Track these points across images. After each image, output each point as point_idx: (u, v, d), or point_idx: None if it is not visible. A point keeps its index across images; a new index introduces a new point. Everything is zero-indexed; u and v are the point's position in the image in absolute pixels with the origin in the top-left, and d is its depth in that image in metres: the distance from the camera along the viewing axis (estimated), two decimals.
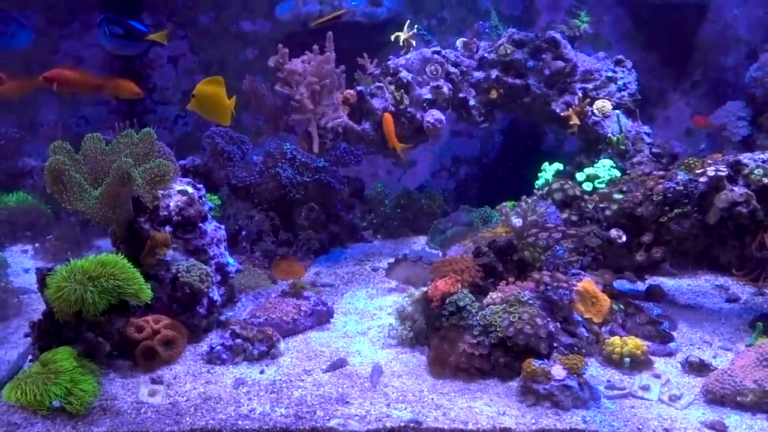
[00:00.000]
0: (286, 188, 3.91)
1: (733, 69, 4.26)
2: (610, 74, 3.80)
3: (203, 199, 3.13)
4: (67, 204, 2.63)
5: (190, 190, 3.06)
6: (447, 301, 2.75)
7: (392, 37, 3.79)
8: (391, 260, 3.86)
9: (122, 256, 2.60)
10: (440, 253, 3.55)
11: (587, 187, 3.50)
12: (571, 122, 3.71)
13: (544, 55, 3.81)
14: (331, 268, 3.88)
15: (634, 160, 3.62)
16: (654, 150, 3.64)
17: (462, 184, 4.66)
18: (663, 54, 4.26)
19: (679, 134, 4.32)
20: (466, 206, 4.13)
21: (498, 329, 2.65)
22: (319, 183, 3.99)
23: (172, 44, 4.65)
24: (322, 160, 4.04)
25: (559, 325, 2.72)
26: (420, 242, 4.21)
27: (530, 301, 2.72)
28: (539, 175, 3.68)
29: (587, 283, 2.89)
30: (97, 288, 2.45)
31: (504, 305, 2.72)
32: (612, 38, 4.34)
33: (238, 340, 2.82)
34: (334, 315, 3.17)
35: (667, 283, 3.49)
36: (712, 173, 2.94)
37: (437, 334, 2.77)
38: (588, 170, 3.55)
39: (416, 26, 3.78)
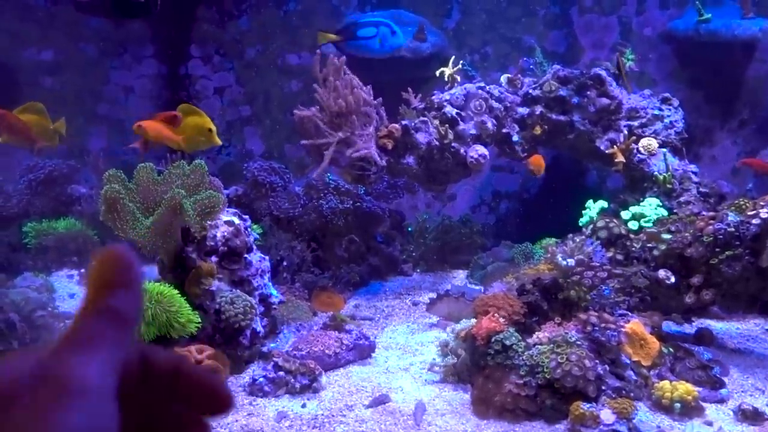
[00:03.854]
0: (328, 218, 3.93)
1: None
2: (656, 112, 3.77)
3: (249, 229, 3.15)
4: (120, 232, 2.67)
5: (236, 220, 3.08)
6: (493, 339, 2.72)
7: (437, 73, 3.81)
8: (432, 295, 3.84)
9: (170, 286, 2.63)
10: (482, 289, 3.52)
11: (633, 225, 3.45)
12: (616, 160, 3.68)
13: (588, 92, 3.80)
14: (371, 301, 3.86)
15: (681, 199, 3.56)
16: (701, 189, 3.59)
17: (502, 219, 4.64)
18: (709, 92, 4.22)
19: (725, 173, 4.25)
20: (508, 242, 4.10)
21: (545, 370, 2.61)
22: (360, 210, 4.00)
23: (219, 75, 4.74)
24: (362, 189, 4.07)
25: (608, 368, 2.67)
26: (460, 277, 4.18)
27: (578, 342, 2.68)
28: (583, 212, 3.64)
29: (635, 324, 2.84)
30: (146, 319, 2.47)
31: (551, 345, 2.68)
32: (657, 76, 4.31)
33: (281, 373, 2.81)
34: (375, 349, 3.15)
35: (715, 326, 3.40)
36: (766, 215, 2.88)
37: (482, 372, 2.73)
38: (634, 209, 3.51)
39: (461, 62, 3.80)
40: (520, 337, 2.74)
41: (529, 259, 3.89)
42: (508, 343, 2.70)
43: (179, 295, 2.63)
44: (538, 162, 3.59)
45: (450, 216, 4.45)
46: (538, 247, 4.00)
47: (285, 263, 3.89)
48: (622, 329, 2.77)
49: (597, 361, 2.64)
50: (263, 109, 4.76)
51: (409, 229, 4.34)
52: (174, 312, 2.55)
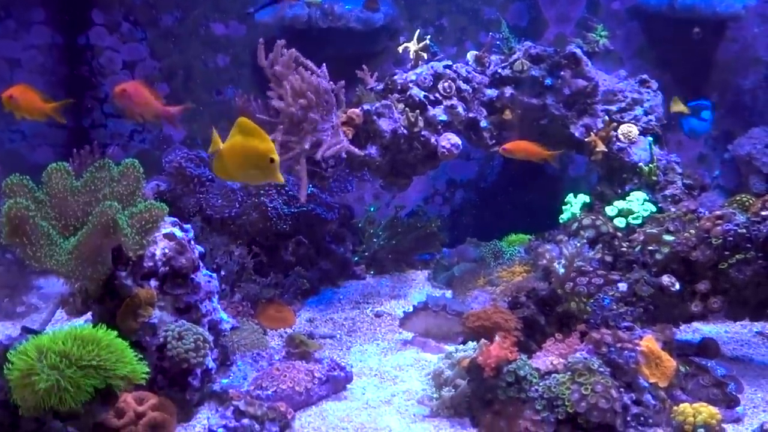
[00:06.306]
0: (272, 220, 3.38)
1: (751, 91, 4.02)
2: (635, 96, 3.46)
3: (193, 243, 2.56)
4: (34, 261, 2.02)
5: (178, 233, 2.48)
6: (504, 369, 2.32)
7: (400, 49, 3.32)
8: (396, 304, 3.42)
9: (106, 329, 2.03)
10: (463, 300, 3.11)
11: (620, 223, 3.15)
12: (596, 149, 3.35)
13: (562, 72, 3.43)
14: (326, 312, 3.37)
15: (666, 192, 3.29)
16: (686, 181, 3.33)
17: (457, 210, 4.24)
18: (677, 73, 3.97)
19: (692, 159, 4.05)
20: (474, 239, 3.70)
21: (567, 403, 2.25)
22: (308, 214, 3.48)
23: (129, 47, 3.99)
24: (310, 186, 3.55)
25: (633, 396, 2.35)
26: (420, 278, 3.76)
27: (600, 369, 2.33)
28: (564, 208, 3.30)
29: (649, 341, 2.51)
30: (77, 375, 1.88)
31: (570, 374, 2.33)
32: (624, 54, 4.02)
33: (245, 420, 2.29)
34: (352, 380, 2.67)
35: (701, 329, 3.18)
36: None
37: (490, 408, 2.33)
38: (619, 204, 3.20)
39: (428, 36, 3.32)
40: (533, 365, 2.37)
41: (498, 259, 3.52)
42: (522, 373, 2.31)
43: (117, 339, 2.03)
44: (520, 148, 3.20)
45: (403, 206, 3.99)
46: (507, 245, 3.63)
47: (222, 272, 3.30)
48: (638, 348, 2.45)
49: (622, 389, 2.31)
50: (184, 88, 4.07)
51: (360, 225, 3.85)
52: (111, 362, 1.96)
